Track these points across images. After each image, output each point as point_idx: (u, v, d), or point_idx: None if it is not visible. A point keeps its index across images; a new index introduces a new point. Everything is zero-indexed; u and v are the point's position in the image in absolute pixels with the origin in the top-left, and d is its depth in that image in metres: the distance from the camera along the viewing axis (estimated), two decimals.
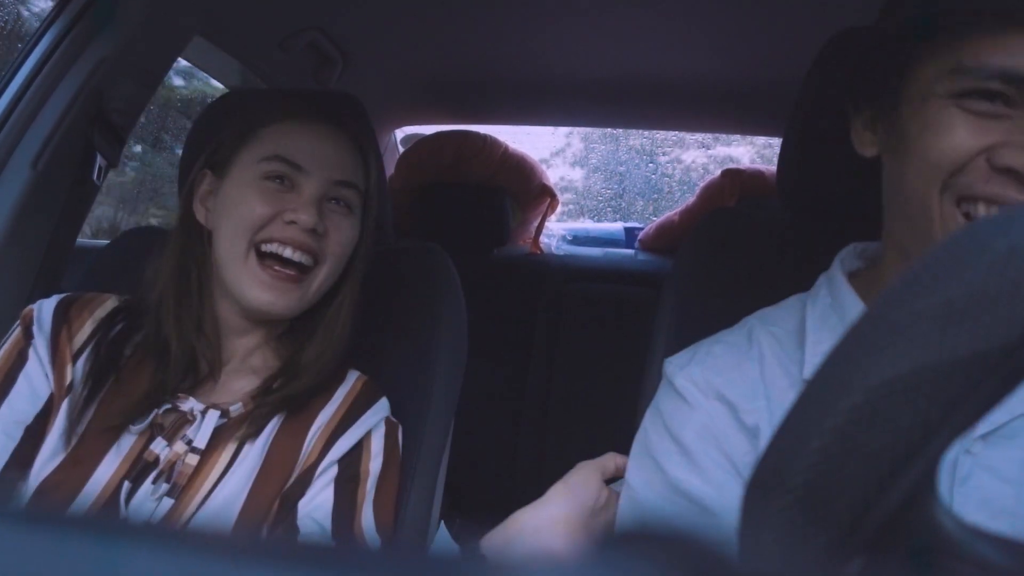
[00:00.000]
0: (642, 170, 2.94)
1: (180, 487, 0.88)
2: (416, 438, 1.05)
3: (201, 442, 0.90)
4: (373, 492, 0.93)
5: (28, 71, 1.24)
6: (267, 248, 0.91)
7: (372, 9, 1.62)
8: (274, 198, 0.92)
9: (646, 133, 2.84)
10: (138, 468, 0.88)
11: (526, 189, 2.23)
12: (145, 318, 0.96)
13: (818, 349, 0.72)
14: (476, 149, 2.13)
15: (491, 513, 1.00)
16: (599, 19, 1.59)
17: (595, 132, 2.91)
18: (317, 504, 0.90)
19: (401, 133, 2.53)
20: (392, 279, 1.18)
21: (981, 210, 0.61)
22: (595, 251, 2.36)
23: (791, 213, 1.02)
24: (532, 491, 2.17)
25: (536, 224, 2.34)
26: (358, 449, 0.94)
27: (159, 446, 0.89)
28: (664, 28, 1.60)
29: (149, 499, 0.87)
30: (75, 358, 0.93)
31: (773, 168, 1.82)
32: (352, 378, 1.00)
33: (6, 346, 0.93)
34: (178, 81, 2.23)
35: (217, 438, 0.91)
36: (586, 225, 2.82)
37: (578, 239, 2.52)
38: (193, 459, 0.89)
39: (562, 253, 2.34)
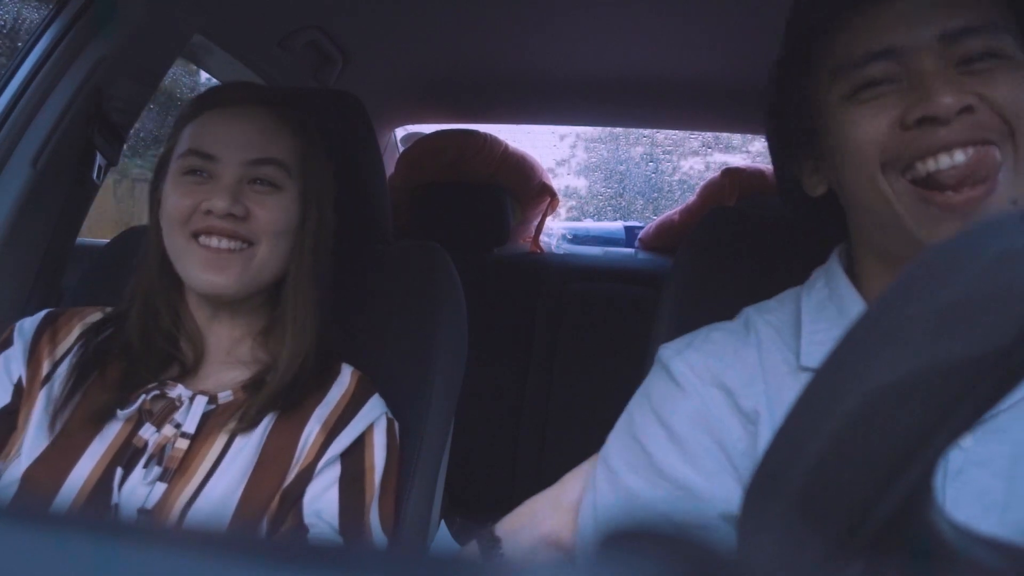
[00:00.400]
0: (642, 169, 2.95)
1: (172, 471, 0.88)
2: (416, 437, 1.05)
3: (190, 426, 0.91)
4: (379, 490, 0.94)
5: (28, 70, 1.24)
6: (202, 240, 0.93)
7: (372, 8, 1.62)
8: (192, 190, 0.93)
9: (646, 137, 2.87)
10: (128, 454, 0.89)
11: (526, 188, 2.23)
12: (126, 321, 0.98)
13: (814, 338, 0.73)
14: (476, 148, 2.13)
15: (491, 512, 1.00)
16: (599, 18, 1.59)
17: (596, 135, 2.94)
18: (324, 503, 0.90)
19: (401, 132, 2.53)
20: (392, 278, 1.18)
21: (929, 165, 0.64)
22: (595, 250, 2.36)
23: (791, 212, 1.01)
24: (532, 490, 2.16)
25: (536, 223, 2.34)
26: (359, 444, 0.95)
27: (148, 432, 0.90)
28: (664, 27, 1.60)
29: (141, 484, 0.87)
30: (59, 361, 0.95)
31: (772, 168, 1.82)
32: (346, 373, 1.00)
33: None
34: None
35: (207, 425, 0.92)
36: (586, 224, 2.82)
37: (578, 238, 2.52)
38: (183, 443, 0.90)
39: (562, 252, 2.34)
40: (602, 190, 3.06)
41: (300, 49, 1.70)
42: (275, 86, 1.78)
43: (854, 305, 0.73)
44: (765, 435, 0.70)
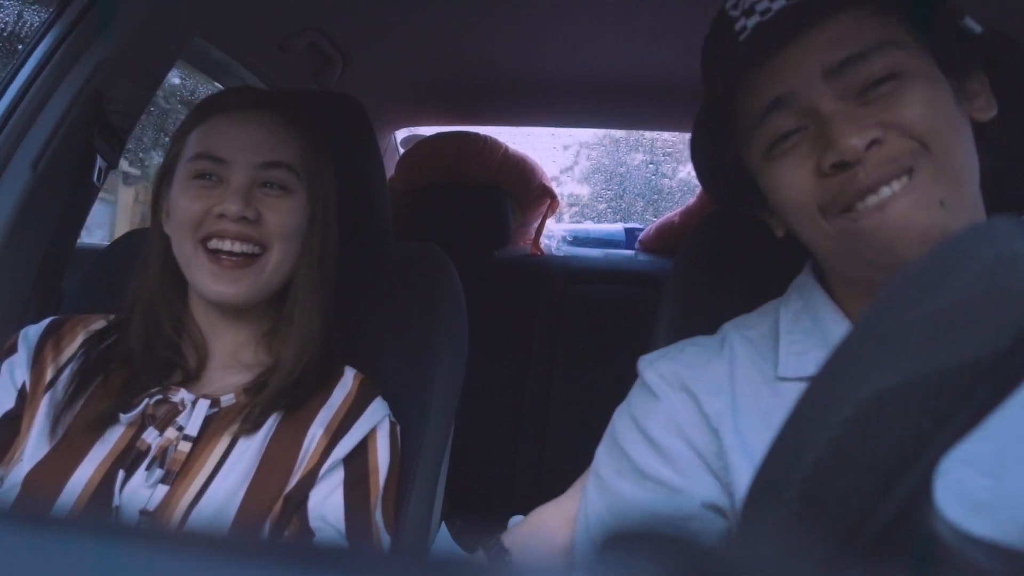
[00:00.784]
0: (642, 172, 2.97)
1: (174, 474, 0.88)
2: (417, 439, 1.05)
3: (193, 429, 0.91)
4: (382, 492, 0.94)
5: (28, 73, 1.24)
6: (212, 245, 0.93)
7: (372, 10, 1.62)
8: (203, 194, 0.93)
9: (646, 139, 2.89)
10: (131, 457, 0.89)
11: (526, 190, 2.23)
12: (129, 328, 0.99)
13: (791, 349, 0.75)
14: (476, 150, 2.13)
15: (491, 514, 1.00)
16: (598, 20, 1.59)
17: (597, 140, 2.97)
18: (329, 507, 0.90)
19: (401, 134, 2.53)
20: (392, 280, 1.18)
21: (858, 207, 0.65)
22: (595, 252, 2.36)
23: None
24: (532, 492, 2.18)
25: (536, 225, 2.34)
26: (363, 448, 0.95)
27: (151, 435, 0.91)
28: (664, 28, 1.60)
29: (143, 486, 0.88)
30: (63, 367, 0.96)
31: None
32: (349, 376, 1.00)
33: None
34: None
35: (209, 428, 0.92)
36: (586, 226, 2.82)
37: (578, 240, 2.52)
38: (185, 446, 0.90)
39: (562, 254, 2.34)
40: (602, 191, 3.07)
41: (300, 51, 1.70)
42: (276, 89, 1.78)
43: (828, 314, 0.75)
44: (729, 444, 0.72)
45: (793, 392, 0.72)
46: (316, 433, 0.94)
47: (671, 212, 2.32)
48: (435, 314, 1.14)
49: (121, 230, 1.41)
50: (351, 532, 0.89)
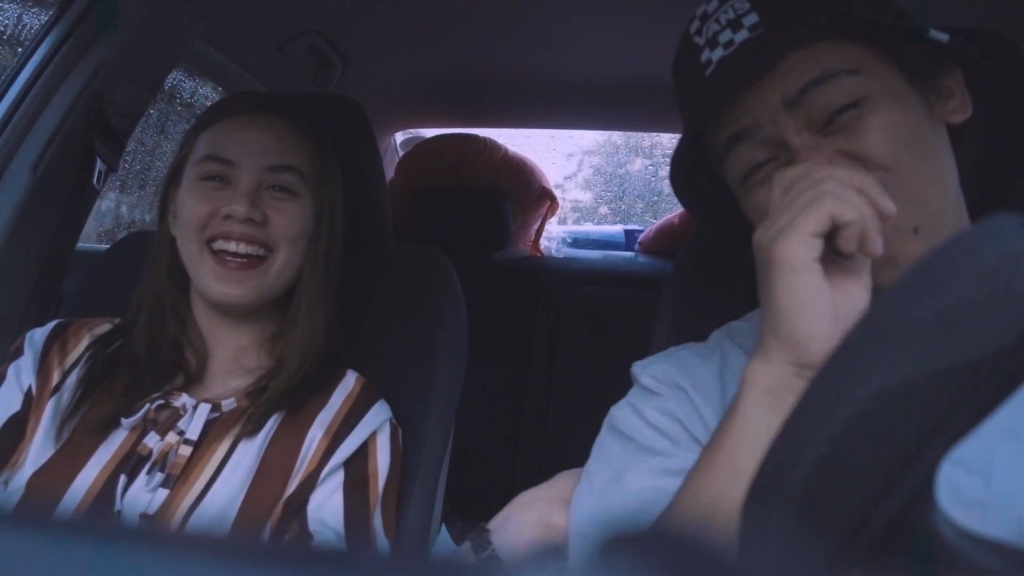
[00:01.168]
0: (642, 173, 3.00)
1: (174, 478, 0.88)
2: (417, 442, 1.05)
3: (193, 433, 0.91)
4: (382, 495, 0.94)
5: (28, 75, 1.24)
6: (217, 246, 0.93)
7: (372, 12, 1.62)
8: (211, 196, 0.94)
9: (646, 141, 2.92)
10: (132, 462, 0.89)
11: (526, 192, 2.23)
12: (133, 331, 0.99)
13: None
14: (476, 152, 2.13)
15: (492, 516, 1.00)
16: (598, 22, 1.59)
17: (598, 146, 3.02)
18: (328, 510, 0.90)
19: (401, 136, 2.53)
20: (393, 282, 1.18)
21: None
22: (595, 254, 2.36)
23: None
24: None
25: (536, 227, 2.34)
26: (363, 451, 0.94)
27: (152, 440, 0.91)
28: (663, 31, 1.60)
29: (144, 491, 0.88)
30: (68, 371, 0.96)
31: None
32: (350, 379, 1.00)
33: None
34: None
35: (210, 432, 0.92)
36: (586, 228, 2.82)
37: (578, 242, 2.52)
38: (186, 450, 0.90)
39: (562, 256, 2.34)
40: (602, 192, 3.10)
41: (300, 53, 1.70)
42: (278, 92, 1.78)
43: None
44: None
45: None
46: (316, 436, 0.94)
47: (671, 214, 2.33)
48: (435, 316, 1.14)
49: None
50: (350, 535, 0.89)
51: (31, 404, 0.94)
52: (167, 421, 0.92)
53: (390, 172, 2.25)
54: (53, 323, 1.01)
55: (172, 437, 0.91)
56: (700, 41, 0.71)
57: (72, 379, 0.95)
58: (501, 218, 2.15)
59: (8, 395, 0.95)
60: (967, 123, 0.71)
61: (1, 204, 1.20)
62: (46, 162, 1.23)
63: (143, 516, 0.86)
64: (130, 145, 1.42)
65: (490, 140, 2.17)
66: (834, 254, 0.59)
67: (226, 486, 0.89)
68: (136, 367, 0.95)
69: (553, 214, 2.39)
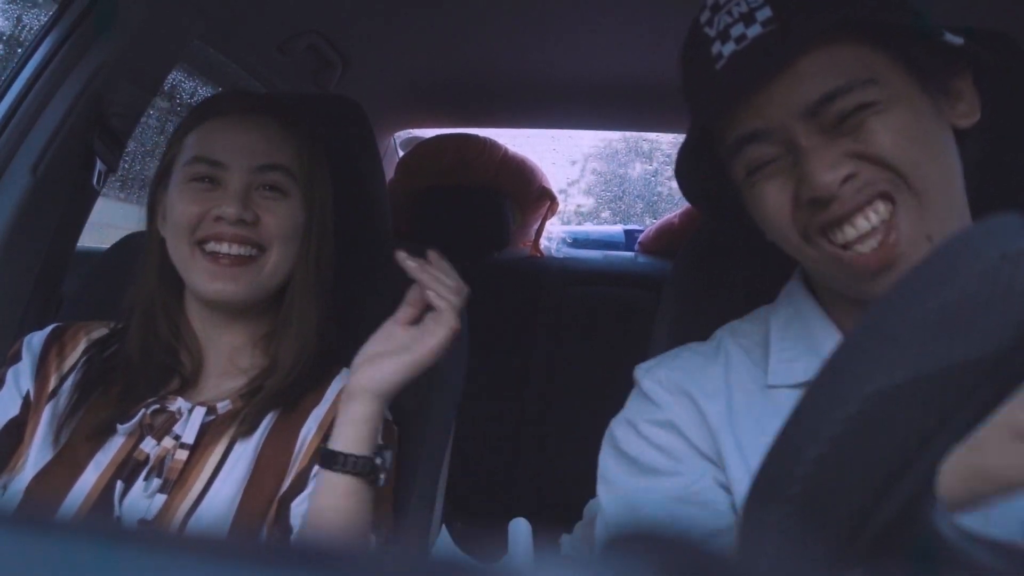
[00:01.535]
0: (642, 177, 3.03)
1: (172, 482, 0.88)
2: (417, 442, 1.05)
3: (189, 437, 0.91)
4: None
5: (28, 76, 1.24)
6: (209, 248, 0.93)
7: (372, 12, 1.62)
8: (201, 197, 0.94)
9: (645, 151, 2.95)
10: (129, 467, 0.89)
11: (526, 192, 2.23)
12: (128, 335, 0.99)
13: (781, 356, 0.76)
14: (476, 152, 2.13)
15: (492, 517, 1.00)
16: (598, 22, 1.59)
17: (599, 151, 3.07)
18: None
19: (401, 136, 2.53)
20: (393, 282, 1.17)
21: (848, 233, 0.66)
22: (595, 254, 2.36)
23: None
24: (533, 494, 2.16)
25: (536, 227, 2.34)
26: None
27: (149, 445, 0.90)
28: (663, 30, 1.60)
29: (142, 496, 0.87)
30: (65, 376, 0.96)
31: None
32: (346, 375, 1.00)
33: None
34: None
35: (207, 435, 0.92)
36: (586, 228, 2.82)
37: (578, 242, 2.52)
38: (182, 454, 0.90)
39: (562, 256, 2.34)
40: (602, 192, 3.14)
41: (300, 54, 1.70)
42: (275, 92, 1.78)
43: (817, 322, 0.76)
44: (727, 448, 0.72)
45: (785, 399, 0.73)
46: (309, 432, 0.93)
47: (670, 214, 2.33)
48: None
49: None
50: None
51: (29, 408, 0.94)
52: (163, 426, 0.92)
53: (390, 172, 2.25)
54: (51, 327, 1.01)
55: (168, 442, 0.91)
56: (711, 32, 0.70)
57: (69, 384, 0.95)
58: (501, 218, 2.15)
59: (7, 399, 0.94)
60: (972, 126, 0.71)
61: (1, 205, 1.20)
62: (46, 163, 1.23)
63: (142, 522, 0.86)
64: (129, 146, 1.41)
65: (490, 140, 2.17)
66: None
67: (224, 488, 0.89)
68: (131, 372, 0.95)
69: (553, 214, 2.39)
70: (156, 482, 0.88)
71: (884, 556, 0.29)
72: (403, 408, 1.05)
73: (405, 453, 1.01)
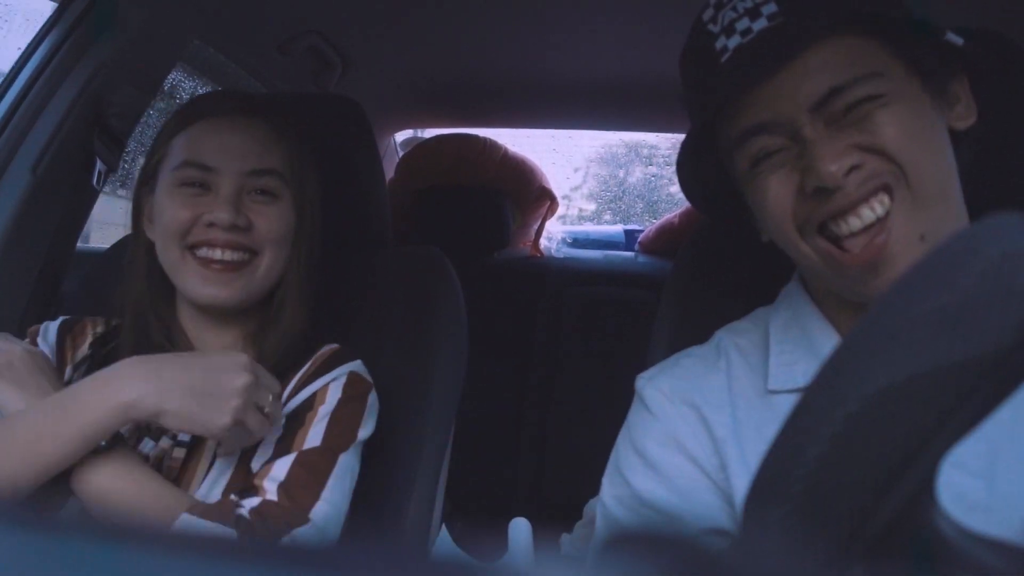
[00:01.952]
0: (642, 179, 3.06)
1: (171, 481, 0.88)
2: (417, 441, 1.05)
3: (185, 435, 0.91)
4: (326, 420, 0.91)
5: (27, 76, 1.24)
6: (201, 253, 0.93)
7: (371, 13, 1.62)
8: (191, 202, 0.93)
9: (645, 154, 2.99)
10: None
11: (526, 192, 2.23)
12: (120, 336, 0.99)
13: (781, 360, 0.75)
14: (476, 152, 2.13)
15: (492, 516, 1.00)
16: (598, 22, 1.59)
17: (599, 154, 3.13)
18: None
19: (400, 136, 2.53)
20: (392, 283, 1.18)
21: (841, 228, 0.67)
22: (595, 254, 2.36)
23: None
24: (533, 494, 2.16)
25: (536, 227, 2.34)
26: (310, 400, 0.93)
27: (147, 446, 0.91)
28: (663, 31, 1.60)
29: None
30: (78, 366, 0.97)
31: None
32: (326, 348, 0.99)
33: None
34: None
35: None
36: (586, 228, 2.82)
37: (578, 242, 2.52)
38: (180, 453, 0.90)
39: (562, 256, 2.34)
40: (602, 194, 3.17)
41: (300, 54, 1.70)
42: (270, 92, 1.78)
43: (815, 324, 0.75)
44: (732, 456, 0.72)
45: (785, 404, 0.72)
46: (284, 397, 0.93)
47: (670, 213, 2.33)
48: (435, 316, 1.14)
49: None
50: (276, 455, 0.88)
51: None
52: (159, 426, 0.92)
53: (390, 172, 2.25)
54: (59, 319, 1.02)
55: (165, 442, 0.91)
56: (715, 29, 0.70)
57: (77, 377, 0.95)
58: (501, 218, 2.15)
59: None
60: (967, 129, 0.71)
61: (1, 205, 1.20)
62: (46, 163, 1.23)
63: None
64: (129, 145, 1.42)
65: (489, 140, 2.17)
66: None
67: (221, 479, 0.89)
68: None
69: (553, 214, 2.39)
70: None
71: (884, 555, 0.29)
72: (404, 408, 1.05)
73: (405, 453, 1.01)
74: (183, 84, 1.84)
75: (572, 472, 1.86)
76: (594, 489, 0.87)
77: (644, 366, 1.00)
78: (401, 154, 2.37)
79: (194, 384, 0.80)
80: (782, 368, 0.74)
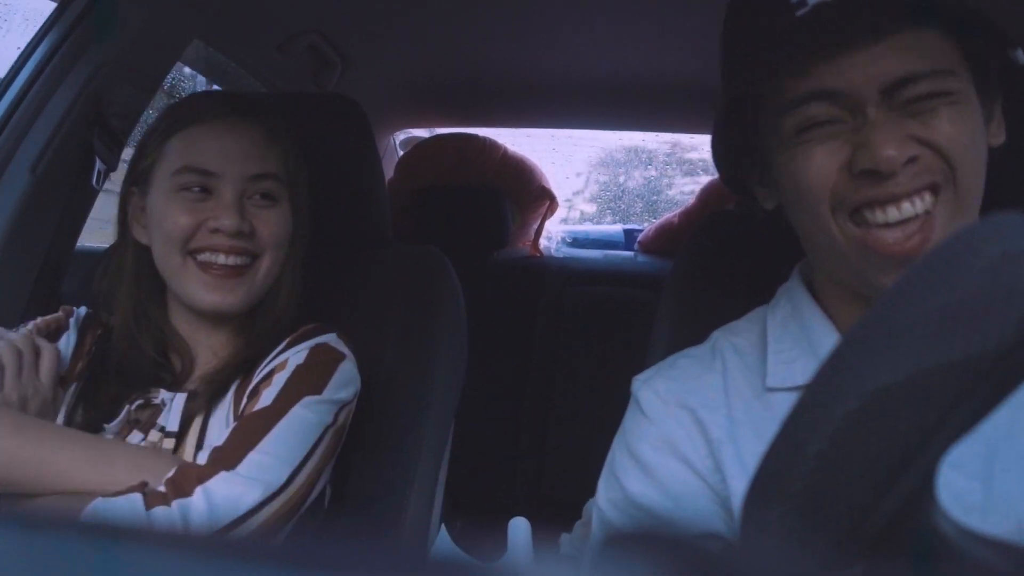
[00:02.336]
0: (642, 182, 3.09)
1: None
2: (416, 441, 1.05)
3: (173, 425, 0.91)
4: (280, 385, 0.89)
5: (27, 76, 1.24)
6: (203, 258, 0.92)
7: (371, 12, 1.62)
8: (194, 208, 0.92)
9: (645, 157, 3.01)
10: None
11: (525, 191, 2.23)
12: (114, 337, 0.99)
13: (779, 358, 0.74)
14: (475, 151, 2.13)
15: (491, 516, 1.00)
16: (597, 21, 1.59)
17: (600, 158, 3.17)
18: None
19: (400, 135, 2.53)
20: (392, 282, 1.18)
21: (878, 216, 0.65)
22: (595, 253, 2.36)
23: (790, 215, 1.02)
24: (533, 494, 2.17)
25: (535, 227, 2.34)
26: (270, 372, 0.92)
27: (136, 439, 0.91)
28: (664, 29, 1.60)
29: None
30: (90, 360, 0.98)
31: None
32: (305, 327, 0.99)
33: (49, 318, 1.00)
34: None
35: (188, 419, 0.93)
36: (585, 227, 2.82)
37: (578, 241, 2.52)
38: (169, 443, 0.91)
39: (562, 256, 2.34)
40: (600, 194, 3.19)
41: (299, 53, 1.70)
42: (259, 92, 1.78)
43: (816, 321, 0.74)
44: (728, 457, 0.71)
45: (783, 403, 0.72)
46: (256, 378, 0.94)
47: (670, 213, 2.33)
48: (434, 316, 1.14)
49: None
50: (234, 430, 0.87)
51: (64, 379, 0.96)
52: (149, 419, 0.93)
53: (389, 172, 2.25)
54: (83, 309, 1.03)
55: (154, 435, 0.91)
56: None
57: (82, 370, 0.97)
58: (500, 218, 2.15)
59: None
60: (994, 148, 0.71)
61: (0, 205, 1.20)
62: (45, 163, 1.23)
63: None
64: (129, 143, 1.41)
65: (489, 139, 2.17)
66: None
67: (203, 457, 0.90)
68: (120, 374, 0.96)
69: (552, 214, 2.39)
70: None
71: (884, 553, 0.29)
72: (403, 408, 1.05)
73: (404, 452, 1.01)
74: (183, 84, 1.85)
75: (571, 471, 1.86)
76: (593, 488, 0.86)
77: (643, 366, 1.00)
78: (401, 154, 2.37)
79: None
80: (780, 366, 0.73)
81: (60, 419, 0.92)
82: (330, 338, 0.97)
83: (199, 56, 1.68)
